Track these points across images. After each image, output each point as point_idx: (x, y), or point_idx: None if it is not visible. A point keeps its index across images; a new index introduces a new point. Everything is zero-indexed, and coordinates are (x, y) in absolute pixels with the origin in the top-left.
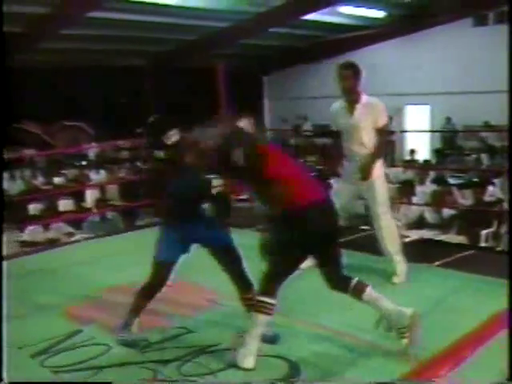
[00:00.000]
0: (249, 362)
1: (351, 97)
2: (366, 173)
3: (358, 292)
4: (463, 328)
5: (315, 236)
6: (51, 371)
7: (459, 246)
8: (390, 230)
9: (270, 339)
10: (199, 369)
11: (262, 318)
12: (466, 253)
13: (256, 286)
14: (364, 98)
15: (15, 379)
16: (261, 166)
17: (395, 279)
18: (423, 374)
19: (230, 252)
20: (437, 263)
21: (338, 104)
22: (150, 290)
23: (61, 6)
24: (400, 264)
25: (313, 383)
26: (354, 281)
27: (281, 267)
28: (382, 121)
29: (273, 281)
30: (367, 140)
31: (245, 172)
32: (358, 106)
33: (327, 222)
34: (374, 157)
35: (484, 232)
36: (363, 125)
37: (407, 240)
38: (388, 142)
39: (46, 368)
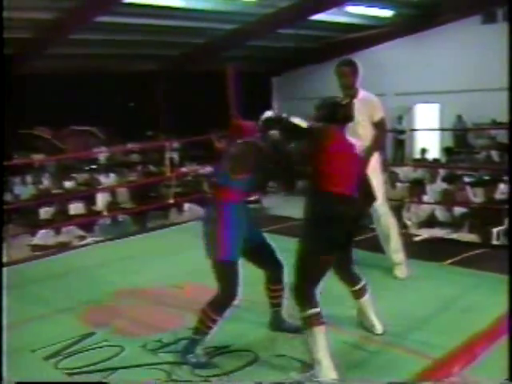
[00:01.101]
0: (332, 374)
1: (349, 93)
2: (367, 155)
3: (360, 294)
4: (477, 326)
5: (349, 224)
6: (64, 373)
7: (471, 245)
8: (387, 221)
9: (295, 329)
10: (213, 370)
11: (318, 330)
12: (478, 251)
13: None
14: (361, 94)
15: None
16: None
17: (397, 273)
18: (437, 373)
19: (266, 245)
20: (448, 261)
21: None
22: (223, 300)
23: (70, 11)
24: (398, 254)
25: (322, 382)
26: (363, 283)
27: (317, 266)
28: (378, 115)
29: (310, 286)
30: (364, 134)
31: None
32: (355, 101)
33: (357, 213)
34: (370, 150)
35: (495, 230)
36: (359, 119)
37: (418, 239)
38: (398, 140)
39: (59, 370)
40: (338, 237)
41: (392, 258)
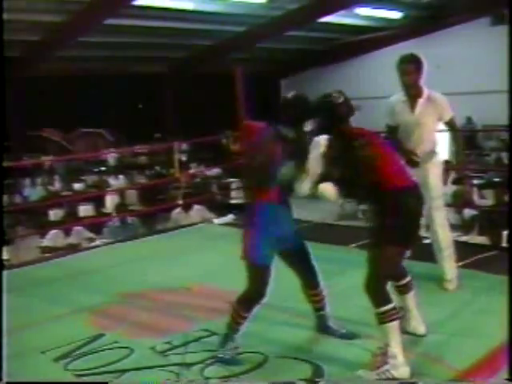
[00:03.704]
0: (405, 371)
1: (413, 92)
2: (460, 157)
3: (406, 289)
4: (491, 329)
5: (417, 218)
6: (74, 375)
7: (481, 247)
8: (443, 225)
9: (347, 336)
10: (222, 372)
11: (392, 326)
12: (488, 253)
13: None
14: (425, 93)
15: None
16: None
17: (447, 285)
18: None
19: (303, 249)
20: (459, 264)
21: (397, 98)
22: (251, 298)
23: (79, 13)
24: (450, 263)
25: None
26: (408, 278)
27: (393, 261)
28: (448, 114)
29: (383, 282)
30: (428, 137)
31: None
32: (420, 102)
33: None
34: (459, 153)
35: (505, 232)
36: (425, 121)
37: (428, 241)
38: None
39: (68, 371)
40: (412, 229)
41: (443, 266)
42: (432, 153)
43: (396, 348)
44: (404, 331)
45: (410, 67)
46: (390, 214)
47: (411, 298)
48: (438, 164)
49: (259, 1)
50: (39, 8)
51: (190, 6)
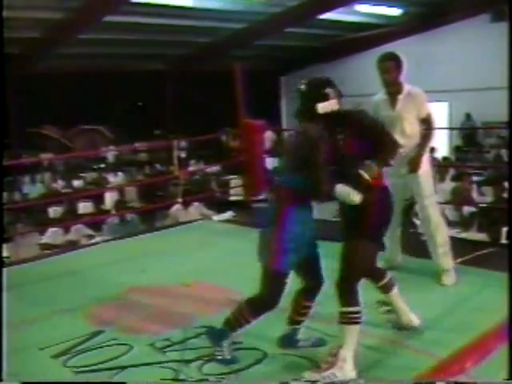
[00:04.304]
0: (352, 374)
1: (393, 89)
2: (415, 165)
3: (388, 288)
4: (488, 326)
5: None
6: (72, 372)
7: (480, 244)
8: (435, 223)
9: (316, 344)
10: (221, 368)
11: (352, 328)
12: (487, 250)
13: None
14: (406, 89)
15: (37, 380)
16: None
17: (445, 280)
18: (445, 371)
19: (317, 256)
20: (458, 261)
21: (379, 96)
22: (263, 306)
23: (79, 11)
24: (445, 259)
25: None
26: (389, 276)
27: (366, 259)
28: (425, 110)
29: (354, 282)
30: (411, 131)
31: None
32: (400, 97)
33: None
34: (421, 148)
35: (505, 229)
36: (406, 116)
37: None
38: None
39: (67, 368)
40: (386, 227)
41: (439, 263)
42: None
43: (349, 351)
44: (399, 327)
45: (390, 65)
46: (372, 211)
47: (396, 295)
48: (425, 160)
49: None
50: (38, 5)
51: (189, 3)
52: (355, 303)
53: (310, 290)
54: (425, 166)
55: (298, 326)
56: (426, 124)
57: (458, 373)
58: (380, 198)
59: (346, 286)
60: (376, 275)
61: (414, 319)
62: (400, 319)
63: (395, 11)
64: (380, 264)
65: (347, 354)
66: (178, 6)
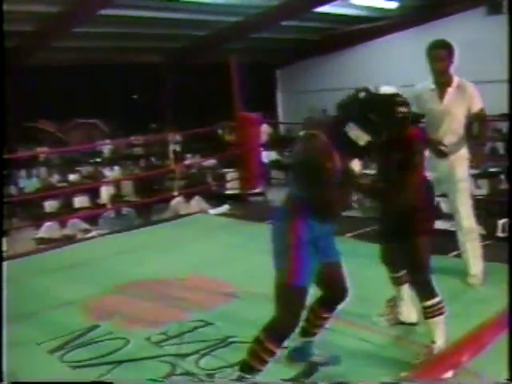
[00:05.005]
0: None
1: (443, 79)
2: (479, 160)
3: (402, 281)
4: (486, 317)
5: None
6: (69, 366)
7: None
8: (469, 226)
9: (330, 362)
10: (218, 362)
11: (440, 319)
12: (484, 243)
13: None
14: (455, 81)
15: (34, 375)
16: None
17: (472, 279)
18: (442, 363)
19: (339, 264)
20: (453, 254)
21: (425, 86)
22: (285, 330)
23: (73, 4)
24: (477, 263)
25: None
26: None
27: (428, 249)
28: (477, 105)
29: (429, 274)
30: (457, 128)
31: None
32: (450, 90)
33: None
34: (482, 144)
35: (501, 222)
36: (454, 111)
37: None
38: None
39: (64, 363)
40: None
41: (469, 267)
42: (459, 144)
43: (442, 343)
44: (397, 322)
45: (442, 53)
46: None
47: (406, 288)
48: (464, 156)
49: None
50: None
51: None
52: (435, 295)
53: (330, 300)
54: (463, 162)
55: (311, 339)
56: (481, 119)
57: (452, 366)
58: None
59: (422, 281)
60: (393, 266)
61: (413, 316)
62: (399, 313)
63: (391, 4)
64: None
65: (441, 345)
66: (173, 0)
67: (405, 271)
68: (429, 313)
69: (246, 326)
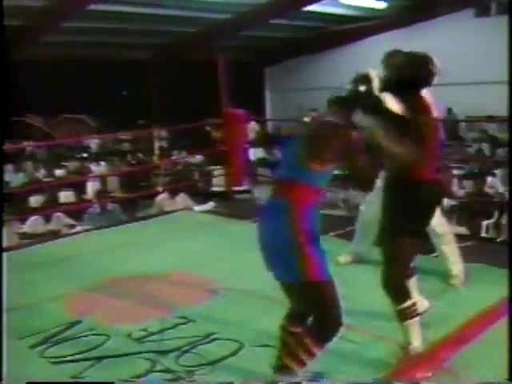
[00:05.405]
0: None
1: None
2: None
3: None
4: (465, 319)
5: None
6: (50, 362)
7: (459, 237)
8: (441, 231)
9: (313, 379)
10: (198, 359)
11: (414, 322)
12: (467, 243)
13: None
14: None
15: (15, 370)
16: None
17: (453, 280)
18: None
19: None
20: (436, 254)
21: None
22: (331, 330)
23: None
24: (456, 263)
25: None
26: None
27: (410, 251)
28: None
29: (404, 277)
30: None
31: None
32: None
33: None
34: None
35: (485, 222)
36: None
37: None
38: None
39: (44, 359)
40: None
41: (449, 268)
42: None
43: (418, 344)
44: None
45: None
46: (418, 206)
47: (413, 283)
48: None
49: None
50: None
51: None
52: (408, 297)
53: (301, 313)
54: None
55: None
56: None
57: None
58: (432, 194)
59: (392, 284)
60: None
61: (425, 302)
62: None
63: (380, 4)
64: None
65: (418, 346)
66: None
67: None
68: (402, 315)
69: (228, 324)
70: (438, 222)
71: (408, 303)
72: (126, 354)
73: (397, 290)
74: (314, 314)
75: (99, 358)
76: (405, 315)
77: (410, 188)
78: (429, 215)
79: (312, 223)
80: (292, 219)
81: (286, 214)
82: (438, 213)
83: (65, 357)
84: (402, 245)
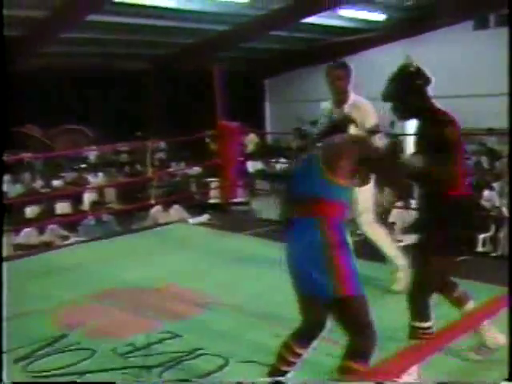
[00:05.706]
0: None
1: (340, 97)
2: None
3: (463, 301)
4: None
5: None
6: (33, 376)
7: None
8: (379, 237)
9: None
10: (181, 374)
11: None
12: (462, 258)
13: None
14: (351, 99)
15: None
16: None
17: (395, 286)
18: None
19: None
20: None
21: (326, 105)
22: (369, 347)
23: (61, 9)
24: (399, 270)
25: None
26: (461, 288)
27: (441, 271)
28: (370, 121)
29: (428, 297)
30: None
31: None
32: (345, 107)
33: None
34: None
35: (481, 236)
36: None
37: (401, 244)
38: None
39: (28, 373)
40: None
41: (392, 265)
42: None
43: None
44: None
45: (340, 73)
46: (454, 222)
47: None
48: None
49: (242, 0)
50: (21, 3)
51: (172, 5)
52: (426, 318)
53: (308, 333)
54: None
55: (280, 379)
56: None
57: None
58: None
59: (417, 301)
60: (447, 287)
61: (501, 338)
62: (483, 340)
63: (379, 16)
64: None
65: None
66: (160, 7)
67: (461, 289)
68: (413, 334)
69: (214, 339)
70: (372, 228)
71: (425, 324)
72: (110, 369)
73: (419, 306)
74: (348, 329)
75: (81, 374)
76: (415, 334)
77: (449, 202)
78: (468, 228)
79: (343, 236)
80: (323, 232)
81: (316, 228)
82: (371, 218)
83: (48, 371)
84: (438, 262)
